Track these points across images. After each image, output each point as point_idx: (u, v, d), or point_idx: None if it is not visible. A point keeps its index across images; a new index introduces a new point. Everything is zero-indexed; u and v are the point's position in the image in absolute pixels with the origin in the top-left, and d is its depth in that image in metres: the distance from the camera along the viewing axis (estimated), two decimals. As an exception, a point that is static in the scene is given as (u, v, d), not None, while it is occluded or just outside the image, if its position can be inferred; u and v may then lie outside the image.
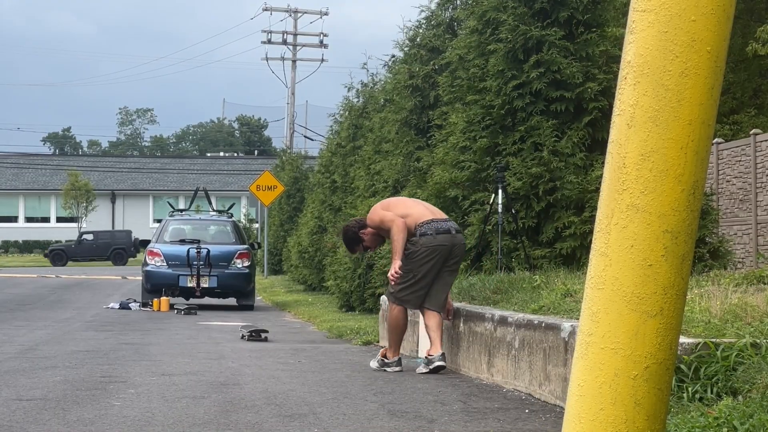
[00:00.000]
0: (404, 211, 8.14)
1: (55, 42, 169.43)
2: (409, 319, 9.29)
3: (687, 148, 2.67)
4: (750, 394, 4.79)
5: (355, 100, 18.53)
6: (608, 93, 10.28)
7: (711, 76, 2.66)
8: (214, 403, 6.15)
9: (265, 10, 44.05)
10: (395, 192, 12.96)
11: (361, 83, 18.47)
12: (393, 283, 8.12)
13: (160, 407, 5.98)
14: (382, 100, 15.20)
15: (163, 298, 16.95)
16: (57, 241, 50.19)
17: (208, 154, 76.97)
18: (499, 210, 9.80)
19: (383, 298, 10.46)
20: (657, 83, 2.67)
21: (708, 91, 2.68)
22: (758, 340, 5.20)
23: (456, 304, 8.43)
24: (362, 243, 8.47)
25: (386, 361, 8.23)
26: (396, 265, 8.04)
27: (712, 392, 5.02)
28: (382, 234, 8.34)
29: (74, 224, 51.00)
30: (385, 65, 16.24)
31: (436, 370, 7.88)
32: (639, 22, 2.70)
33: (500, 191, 9.78)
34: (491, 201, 9.91)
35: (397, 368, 8.17)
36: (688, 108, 2.66)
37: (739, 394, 4.87)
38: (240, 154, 78.14)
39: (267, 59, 44.05)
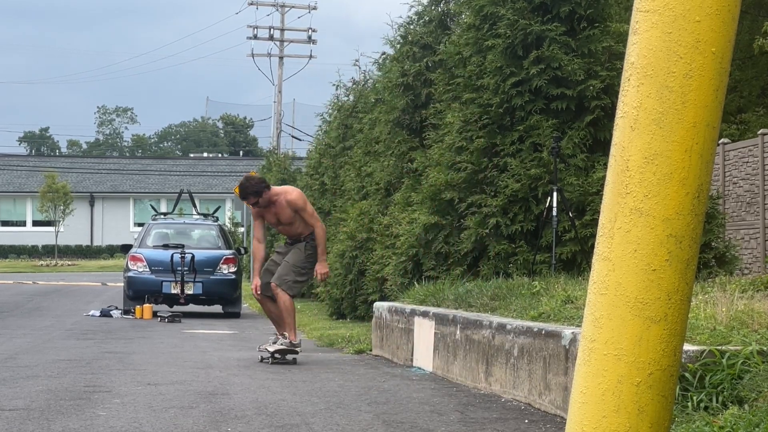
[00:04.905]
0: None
1: (32, 36, 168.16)
2: (403, 327, 9.06)
3: (691, 150, 2.66)
4: (756, 403, 4.72)
5: (345, 98, 18.18)
6: (611, 91, 10.04)
7: (716, 77, 2.66)
8: (203, 414, 6.09)
9: (251, 4, 43.44)
10: (387, 194, 12.66)
11: (352, 80, 18.12)
12: (321, 280, 9.51)
13: (148, 417, 5.89)
14: (373, 99, 14.89)
15: (146, 306, 16.59)
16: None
17: (191, 155, 76.28)
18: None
19: (377, 305, 10.13)
20: (661, 85, 2.66)
21: (713, 92, 2.66)
22: (765, 348, 5.13)
23: (452, 312, 8.29)
24: (259, 199, 9.06)
25: (295, 344, 9.09)
26: (326, 266, 9.38)
27: (717, 401, 4.92)
28: (298, 217, 9.14)
29: (51, 228, 50.07)
30: (375, 63, 15.91)
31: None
32: (642, 23, 2.68)
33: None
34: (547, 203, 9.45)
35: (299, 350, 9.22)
36: (692, 110, 2.65)
37: (745, 403, 4.79)
38: (224, 155, 77.56)
39: (253, 55, 43.50)
